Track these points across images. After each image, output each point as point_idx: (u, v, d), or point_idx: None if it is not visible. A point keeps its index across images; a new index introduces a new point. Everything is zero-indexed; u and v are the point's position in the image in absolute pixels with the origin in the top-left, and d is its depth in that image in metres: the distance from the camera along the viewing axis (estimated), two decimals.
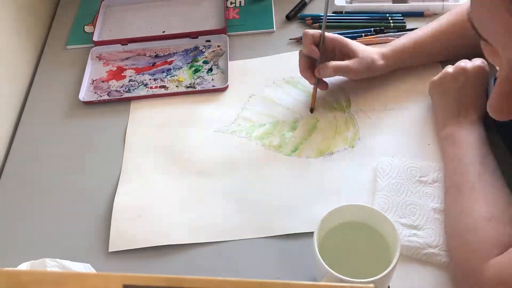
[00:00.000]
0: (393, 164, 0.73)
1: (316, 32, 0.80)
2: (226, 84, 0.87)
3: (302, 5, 1.00)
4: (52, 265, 0.62)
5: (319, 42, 0.79)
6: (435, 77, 0.77)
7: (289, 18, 0.99)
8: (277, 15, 0.99)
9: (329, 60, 0.80)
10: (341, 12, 0.98)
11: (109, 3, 1.05)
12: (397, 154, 0.76)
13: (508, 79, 0.43)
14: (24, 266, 0.62)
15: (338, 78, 0.86)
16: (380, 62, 0.82)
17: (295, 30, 0.97)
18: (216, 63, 0.91)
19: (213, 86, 0.88)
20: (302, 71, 0.82)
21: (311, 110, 0.83)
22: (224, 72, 0.90)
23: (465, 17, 0.79)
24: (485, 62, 0.74)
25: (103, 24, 1.01)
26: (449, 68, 0.76)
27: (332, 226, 0.61)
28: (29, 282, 0.38)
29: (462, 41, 0.80)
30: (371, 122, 0.81)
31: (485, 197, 0.63)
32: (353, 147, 0.78)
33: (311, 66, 0.81)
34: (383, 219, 0.59)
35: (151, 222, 0.72)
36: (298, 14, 0.99)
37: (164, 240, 0.69)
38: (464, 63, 0.75)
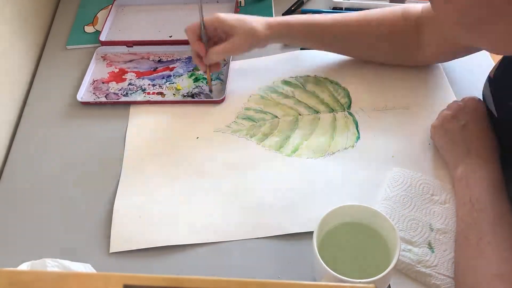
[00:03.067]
0: (407, 176, 0.71)
1: (195, 24, 0.80)
2: (223, 97, 0.85)
3: (300, 4, 1.00)
4: (52, 265, 0.62)
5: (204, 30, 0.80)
6: (435, 121, 0.75)
7: None
8: (277, 15, 0.99)
9: (217, 43, 0.81)
10: (341, 9, 0.98)
11: (122, 3, 1.04)
12: (398, 155, 0.76)
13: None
14: (24, 266, 0.62)
15: (338, 76, 0.86)
16: (262, 30, 0.80)
17: None
18: (217, 74, 0.90)
19: (210, 97, 0.87)
20: (194, 61, 0.83)
21: (210, 91, 0.87)
22: (223, 83, 0.88)
23: (370, 15, 0.80)
24: (478, 97, 0.73)
25: (113, 24, 1.01)
26: (446, 110, 0.73)
27: (332, 226, 0.61)
28: (29, 282, 0.38)
29: (358, 39, 0.82)
30: (371, 121, 0.81)
31: (496, 251, 0.57)
32: (353, 147, 0.78)
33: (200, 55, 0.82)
34: (383, 219, 0.59)
35: (151, 223, 0.72)
36: (299, 9, 0.99)
37: (165, 241, 0.69)
38: (459, 102, 0.73)
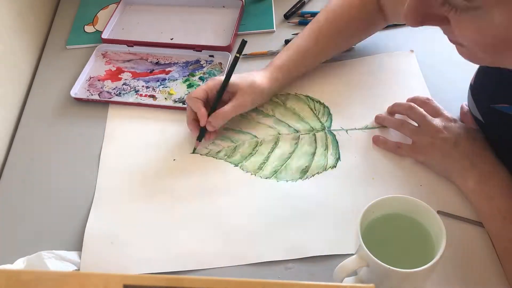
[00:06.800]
0: None
1: (200, 90, 0.77)
2: None
3: (301, 4, 1.00)
4: (48, 256, 0.62)
5: (207, 96, 0.77)
6: (423, 143, 0.72)
7: (287, 17, 0.99)
8: (277, 15, 0.99)
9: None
10: None
11: (129, 1, 1.04)
12: (378, 176, 0.73)
13: None
14: (20, 262, 0.62)
15: (319, 94, 0.84)
16: (263, 81, 0.79)
17: (295, 28, 0.96)
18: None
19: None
20: (189, 124, 0.79)
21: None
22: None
23: (338, 11, 0.82)
24: (444, 110, 0.74)
25: (117, 22, 1.00)
26: (429, 135, 0.72)
27: (375, 217, 0.60)
28: (29, 282, 0.38)
29: (340, 35, 0.83)
30: (351, 141, 0.78)
31: None
32: (333, 168, 0.75)
33: (196, 118, 0.78)
34: (430, 213, 0.58)
35: (123, 249, 0.68)
36: (299, 11, 0.99)
37: (137, 269, 0.66)
38: (435, 122, 0.72)
